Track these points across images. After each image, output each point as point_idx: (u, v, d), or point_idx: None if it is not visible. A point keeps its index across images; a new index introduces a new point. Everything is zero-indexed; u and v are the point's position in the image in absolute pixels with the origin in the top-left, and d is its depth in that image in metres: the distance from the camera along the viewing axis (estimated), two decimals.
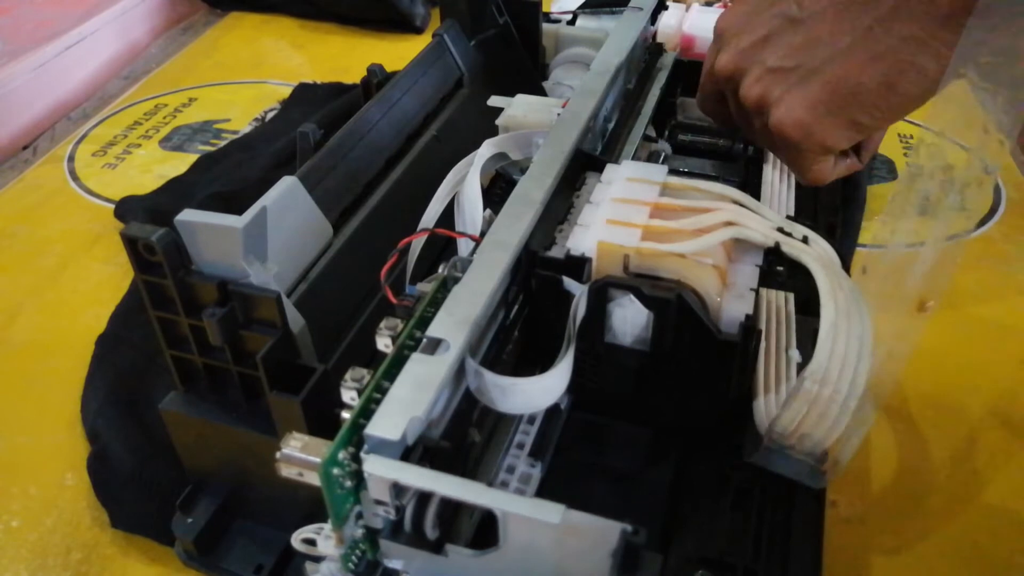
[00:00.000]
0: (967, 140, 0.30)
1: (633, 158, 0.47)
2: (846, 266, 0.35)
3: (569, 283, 0.34)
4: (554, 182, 0.37)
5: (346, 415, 0.27)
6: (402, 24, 0.89)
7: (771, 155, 0.45)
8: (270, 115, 0.76)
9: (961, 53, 0.29)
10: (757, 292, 0.34)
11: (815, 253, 0.34)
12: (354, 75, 0.79)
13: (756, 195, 0.42)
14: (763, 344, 0.33)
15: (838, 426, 0.30)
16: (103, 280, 0.56)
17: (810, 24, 0.34)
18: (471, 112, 0.53)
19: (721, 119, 0.43)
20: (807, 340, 0.32)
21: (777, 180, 0.44)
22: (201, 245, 0.31)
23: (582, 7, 0.62)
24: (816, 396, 0.30)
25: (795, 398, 0.30)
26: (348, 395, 0.27)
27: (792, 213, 0.42)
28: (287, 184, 0.36)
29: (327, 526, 0.27)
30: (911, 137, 0.69)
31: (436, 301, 0.31)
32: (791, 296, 0.34)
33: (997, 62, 0.28)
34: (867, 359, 0.30)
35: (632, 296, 0.33)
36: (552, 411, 0.37)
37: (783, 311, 0.34)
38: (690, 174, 0.51)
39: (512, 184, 0.39)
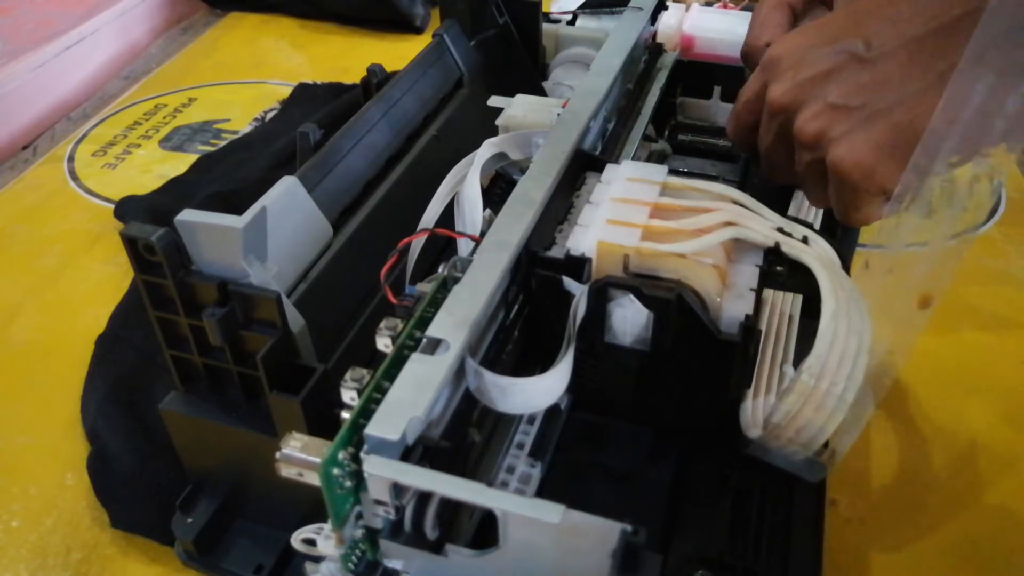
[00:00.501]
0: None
1: (633, 158, 0.46)
2: (846, 266, 0.35)
3: (569, 283, 0.34)
4: (554, 182, 0.37)
5: (346, 415, 0.27)
6: (402, 24, 0.89)
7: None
8: (270, 115, 0.76)
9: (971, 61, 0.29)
10: (761, 296, 0.34)
11: (815, 253, 0.34)
12: (354, 75, 0.79)
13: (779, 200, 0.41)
14: (760, 348, 0.33)
15: (834, 420, 0.30)
16: (103, 280, 0.56)
17: (880, 64, 0.34)
18: (471, 112, 0.53)
19: (750, 147, 0.42)
20: (807, 341, 0.32)
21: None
22: (201, 245, 0.31)
23: (582, 7, 0.62)
24: (813, 389, 0.30)
25: (792, 391, 0.30)
26: (348, 395, 0.27)
27: (822, 216, 0.43)
28: (287, 184, 0.36)
29: (327, 526, 0.27)
30: None
31: (436, 301, 0.31)
32: (799, 299, 0.34)
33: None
34: (865, 355, 0.30)
35: (632, 296, 0.33)
36: (552, 411, 0.37)
37: (786, 318, 0.34)
38: (690, 174, 0.51)
39: (512, 184, 0.39)
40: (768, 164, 0.41)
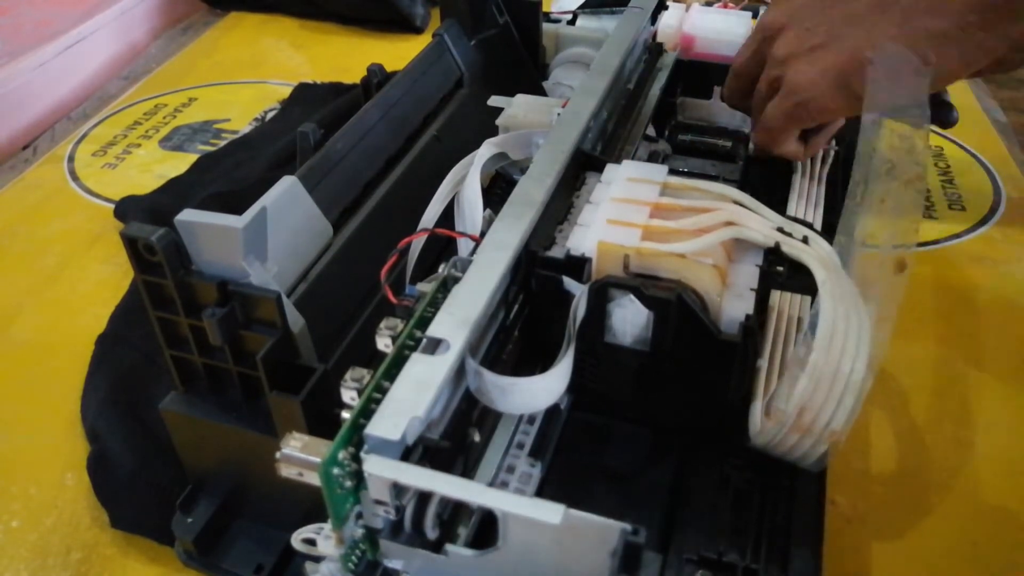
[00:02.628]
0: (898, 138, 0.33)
1: (633, 158, 0.46)
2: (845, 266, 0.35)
3: (569, 283, 0.34)
4: (554, 182, 0.37)
5: (346, 415, 0.27)
6: (402, 24, 0.89)
7: (799, 165, 0.46)
8: (270, 115, 0.76)
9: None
10: (768, 300, 0.34)
11: (815, 253, 0.34)
12: (354, 75, 0.79)
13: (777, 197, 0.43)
14: (768, 350, 0.33)
15: (845, 405, 0.30)
16: (103, 280, 0.56)
17: (852, 2, 0.40)
18: (471, 112, 0.53)
19: (744, 105, 0.48)
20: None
21: (807, 186, 0.45)
22: (201, 245, 0.31)
23: (582, 7, 0.62)
24: (821, 372, 0.29)
25: (802, 374, 0.30)
26: (348, 395, 0.27)
27: (821, 215, 0.43)
28: (287, 184, 0.36)
29: (327, 526, 0.27)
30: None
31: (436, 301, 0.31)
32: (807, 301, 0.34)
33: None
34: (865, 357, 0.30)
35: (632, 296, 0.33)
36: (552, 411, 0.37)
37: (794, 322, 0.34)
38: (690, 174, 0.51)
39: (512, 184, 0.39)
40: (739, 91, 0.47)
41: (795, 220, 0.36)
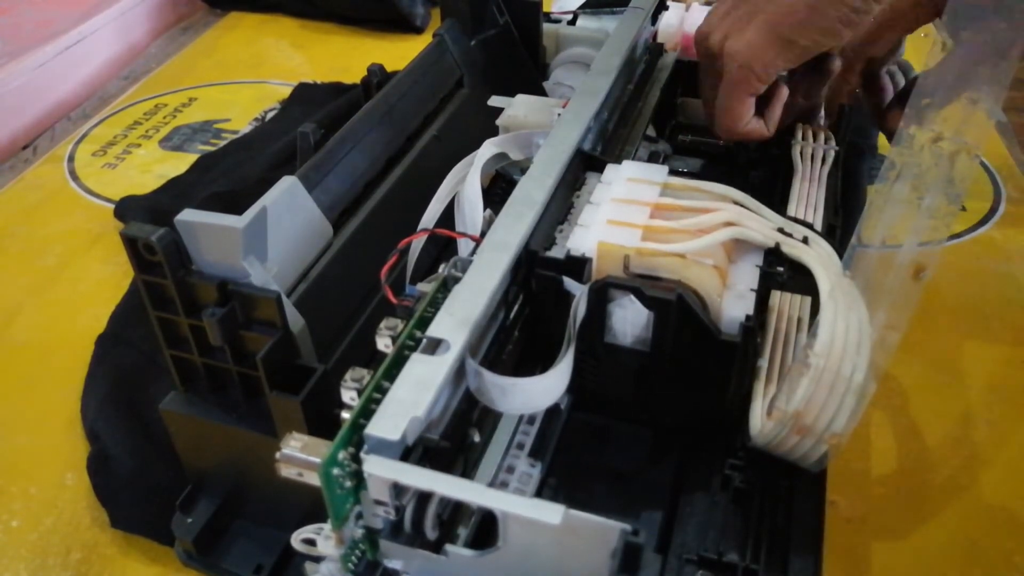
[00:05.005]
0: (953, 112, 0.31)
1: (633, 158, 0.46)
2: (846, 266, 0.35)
3: (569, 283, 0.34)
4: (554, 182, 0.37)
5: (346, 415, 0.27)
6: (402, 24, 0.89)
7: (800, 166, 0.46)
8: (270, 115, 0.76)
9: (947, 26, 0.31)
10: (768, 301, 0.33)
11: (815, 253, 0.34)
12: (354, 75, 0.79)
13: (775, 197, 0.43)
14: (768, 350, 0.33)
15: (846, 407, 0.30)
16: (103, 280, 0.56)
17: None
18: (471, 112, 0.53)
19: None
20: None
21: (807, 187, 0.45)
22: (201, 245, 0.31)
23: (582, 7, 0.62)
24: (823, 374, 0.29)
25: (804, 376, 0.30)
26: (348, 395, 0.27)
27: (822, 216, 0.43)
28: (287, 184, 0.36)
29: (327, 526, 0.27)
30: None
31: (436, 301, 0.31)
32: (807, 301, 0.34)
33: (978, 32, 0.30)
34: (864, 363, 0.30)
35: (632, 296, 0.33)
36: (552, 411, 0.37)
37: (794, 322, 0.33)
38: (690, 174, 0.51)
39: (512, 184, 0.39)
40: (705, 92, 0.48)
41: (795, 220, 0.36)
